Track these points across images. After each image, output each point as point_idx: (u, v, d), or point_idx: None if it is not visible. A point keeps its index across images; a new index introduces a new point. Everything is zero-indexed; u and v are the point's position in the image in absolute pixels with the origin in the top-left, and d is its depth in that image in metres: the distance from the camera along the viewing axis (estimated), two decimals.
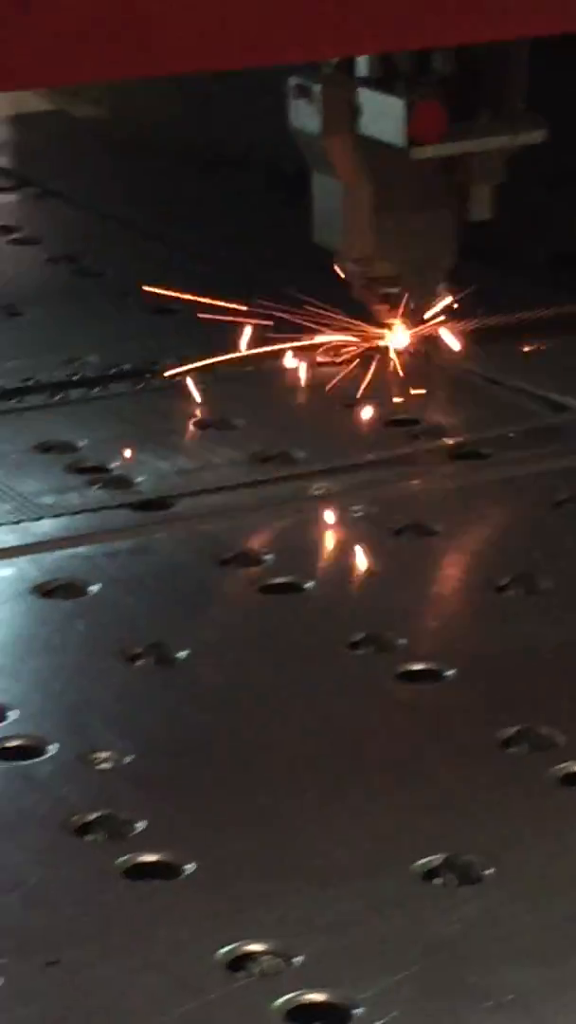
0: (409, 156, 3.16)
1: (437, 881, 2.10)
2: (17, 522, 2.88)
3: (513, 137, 3.20)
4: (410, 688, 2.48)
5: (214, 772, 2.32)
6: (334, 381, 3.32)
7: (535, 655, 2.54)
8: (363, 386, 3.29)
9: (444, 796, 2.25)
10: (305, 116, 3.23)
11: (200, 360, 3.36)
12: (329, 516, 2.92)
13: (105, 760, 2.32)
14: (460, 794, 2.26)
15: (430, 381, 3.28)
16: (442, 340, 3.35)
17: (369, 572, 2.79)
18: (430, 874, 2.11)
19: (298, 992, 1.94)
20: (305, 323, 3.38)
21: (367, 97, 3.19)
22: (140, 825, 2.20)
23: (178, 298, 3.58)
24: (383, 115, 3.16)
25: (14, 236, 4.00)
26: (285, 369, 3.37)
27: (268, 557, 2.78)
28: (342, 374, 3.34)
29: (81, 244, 3.95)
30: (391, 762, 2.33)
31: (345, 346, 3.36)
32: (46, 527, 2.85)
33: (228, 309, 3.42)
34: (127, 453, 3.09)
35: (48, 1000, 1.95)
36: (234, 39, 2.38)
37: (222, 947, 2.00)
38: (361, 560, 2.81)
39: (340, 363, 3.35)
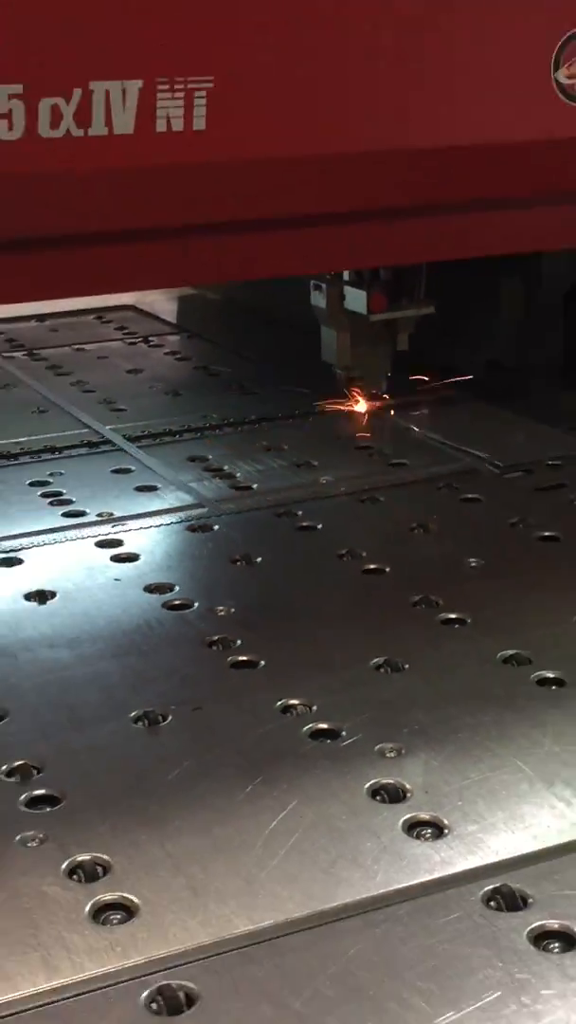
0: (368, 319, 3.14)
1: (381, 670, 2.10)
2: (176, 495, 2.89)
3: (418, 311, 3.17)
4: (368, 578, 2.45)
5: (275, 616, 2.29)
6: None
7: (430, 562, 2.52)
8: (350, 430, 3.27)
9: (386, 630, 2.23)
10: (319, 299, 3.21)
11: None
12: (329, 491, 2.87)
13: (223, 611, 2.31)
14: (392, 629, 2.23)
15: (377, 428, 3.26)
16: (384, 407, 3.33)
17: (350, 519, 2.75)
18: (378, 667, 2.10)
19: (314, 724, 1.94)
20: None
21: (348, 290, 3.16)
22: (239, 643, 2.19)
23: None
24: (356, 299, 3.14)
25: (177, 356, 3.99)
26: (308, 421, 3.34)
27: (300, 512, 2.74)
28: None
29: (210, 360, 3.89)
30: (360, 615, 2.31)
31: (337, 410, 3.34)
32: (192, 498, 2.83)
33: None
34: (234, 462, 3.05)
35: (195, 730, 1.95)
36: (298, 258, 2.32)
37: (278, 701, 2.00)
38: (346, 513, 2.77)
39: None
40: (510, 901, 1.58)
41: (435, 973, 1.47)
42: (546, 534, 2.61)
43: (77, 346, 4.08)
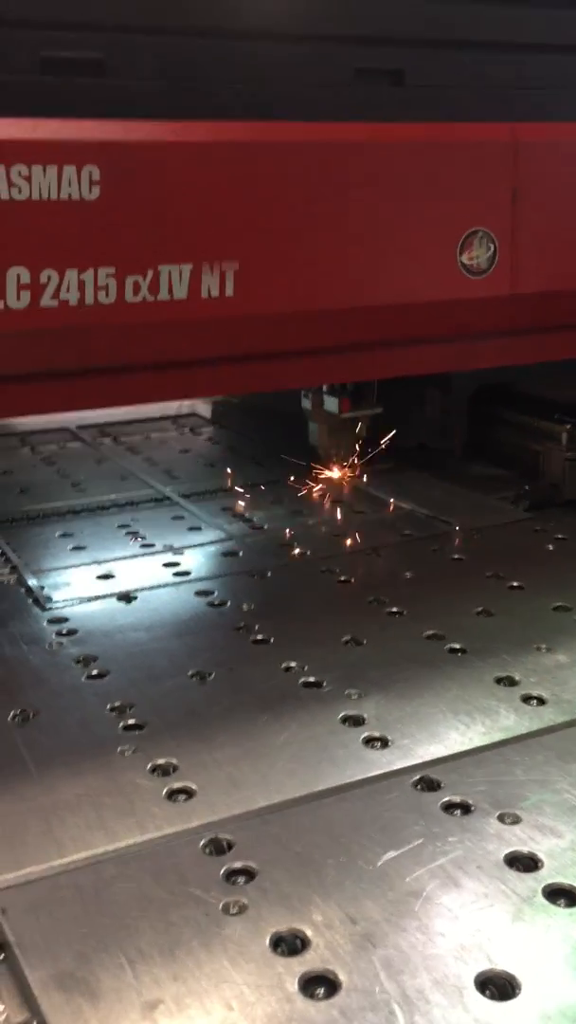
0: (339, 416, 3.15)
1: (348, 644, 2.12)
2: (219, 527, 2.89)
3: (372, 410, 3.16)
4: (340, 586, 2.46)
5: (279, 610, 2.30)
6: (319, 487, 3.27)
7: (379, 574, 2.53)
8: (327, 490, 3.24)
9: (351, 618, 2.24)
10: (306, 403, 3.19)
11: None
12: (314, 527, 2.87)
13: (246, 607, 2.31)
14: (355, 618, 2.24)
15: (345, 488, 3.26)
16: (349, 476, 3.34)
17: (328, 548, 2.72)
18: (346, 642, 2.13)
19: (306, 678, 1.98)
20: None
21: (325, 397, 3.15)
22: (256, 627, 2.21)
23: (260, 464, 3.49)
24: (331, 402, 3.14)
25: (213, 441, 3.97)
26: (299, 484, 3.29)
27: (295, 544, 2.74)
28: (320, 485, 3.27)
29: (235, 443, 3.88)
30: (334, 609, 2.32)
31: (319, 476, 3.34)
32: (224, 534, 2.83)
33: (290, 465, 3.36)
34: (251, 510, 3.04)
35: (230, 683, 1.96)
36: (285, 378, 2.30)
37: (282, 664, 2.04)
38: (325, 544, 2.74)
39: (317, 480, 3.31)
40: (429, 785, 1.66)
41: (383, 828, 1.57)
42: (456, 556, 2.67)
43: (146, 435, 4.12)
